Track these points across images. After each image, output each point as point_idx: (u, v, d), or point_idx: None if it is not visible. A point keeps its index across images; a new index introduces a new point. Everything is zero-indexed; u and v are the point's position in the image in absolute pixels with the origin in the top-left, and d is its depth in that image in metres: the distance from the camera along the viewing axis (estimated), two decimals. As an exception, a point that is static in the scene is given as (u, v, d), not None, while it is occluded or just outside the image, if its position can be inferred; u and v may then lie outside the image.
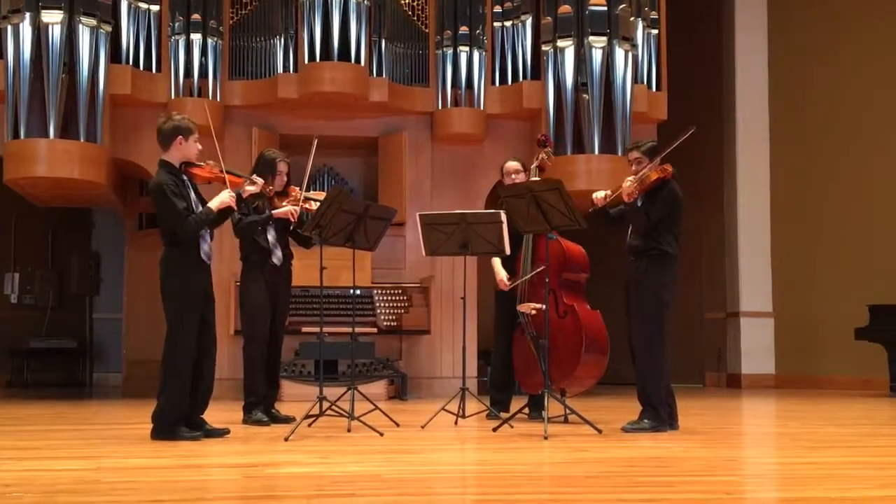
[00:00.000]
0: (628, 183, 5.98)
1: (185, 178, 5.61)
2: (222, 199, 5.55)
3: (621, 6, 10.09)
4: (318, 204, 6.31)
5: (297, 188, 6.58)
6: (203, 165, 5.70)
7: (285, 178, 6.67)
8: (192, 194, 5.62)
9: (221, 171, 5.72)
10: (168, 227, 5.55)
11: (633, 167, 6.14)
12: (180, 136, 5.57)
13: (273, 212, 6.42)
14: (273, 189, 6.39)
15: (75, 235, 13.36)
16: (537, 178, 6.82)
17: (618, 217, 6.24)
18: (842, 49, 12.05)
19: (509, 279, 6.91)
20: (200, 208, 5.59)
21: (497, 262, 7.02)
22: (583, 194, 7.51)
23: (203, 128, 5.86)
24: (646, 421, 5.96)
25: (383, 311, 9.71)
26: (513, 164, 7.15)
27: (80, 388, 12.40)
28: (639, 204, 6.03)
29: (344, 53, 9.65)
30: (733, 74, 12.90)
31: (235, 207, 5.67)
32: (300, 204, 6.42)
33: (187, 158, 5.63)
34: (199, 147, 5.68)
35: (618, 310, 6.28)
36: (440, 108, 10.40)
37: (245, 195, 6.08)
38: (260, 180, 6.15)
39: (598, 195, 6.17)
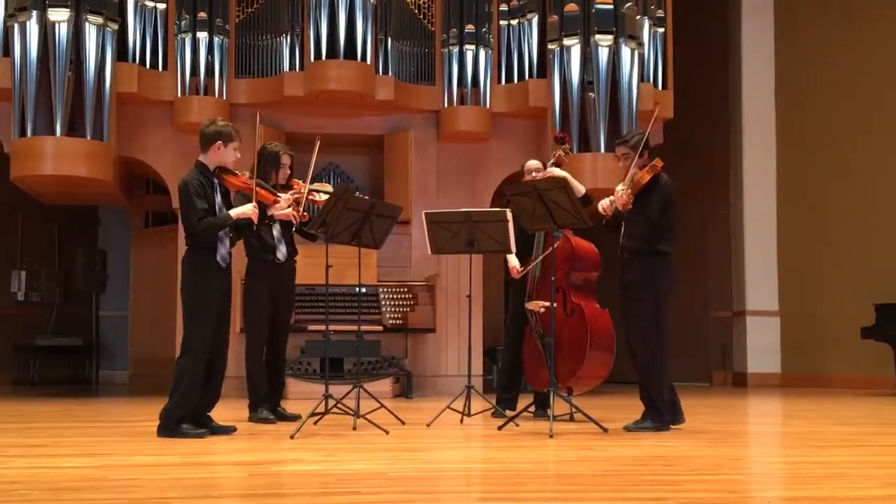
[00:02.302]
0: (620, 191, 5.89)
1: (215, 181, 5.64)
2: (245, 210, 5.64)
3: (627, 4, 10.07)
4: (323, 196, 6.31)
5: (301, 182, 6.57)
6: (238, 174, 5.75)
7: (289, 171, 6.67)
8: (218, 198, 5.65)
9: (253, 184, 5.76)
10: (185, 226, 5.61)
11: (621, 163, 6.08)
12: (220, 142, 5.63)
13: (272, 212, 6.32)
14: (304, 213, 6.30)
15: (81, 233, 13.38)
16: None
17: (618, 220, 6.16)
18: (848, 47, 12.02)
19: (521, 267, 6.87)
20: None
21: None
22: (589, 192, 7.46)
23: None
24: (648, 421, 5.94)
25: (389, 309, 9.71)
26: (533, 163, 7.14)
27: (86, 386, 12.43)
28: (630, 207, 5.94)
29: (350, 51, 9.64)
30: (739, 72, 12.87)
31: (256, 221, 5.70)
32: (305, 197, 6.40)
33: (223, 164, 5.68)
34: (238, 155, 5.73)
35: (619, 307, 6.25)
36: (446, 106, 10.39)
37: (270, 212, 6.04)
38: (289, 201, 6.10)
39: (605, 203, 6.05)
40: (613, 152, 9.65)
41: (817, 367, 12.06)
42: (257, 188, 5.80)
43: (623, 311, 6.09)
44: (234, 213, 5.63)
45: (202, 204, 5.50)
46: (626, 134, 6.34)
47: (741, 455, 5.03)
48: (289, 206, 6.07)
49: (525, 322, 6.96)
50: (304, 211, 6.28)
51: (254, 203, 5.67)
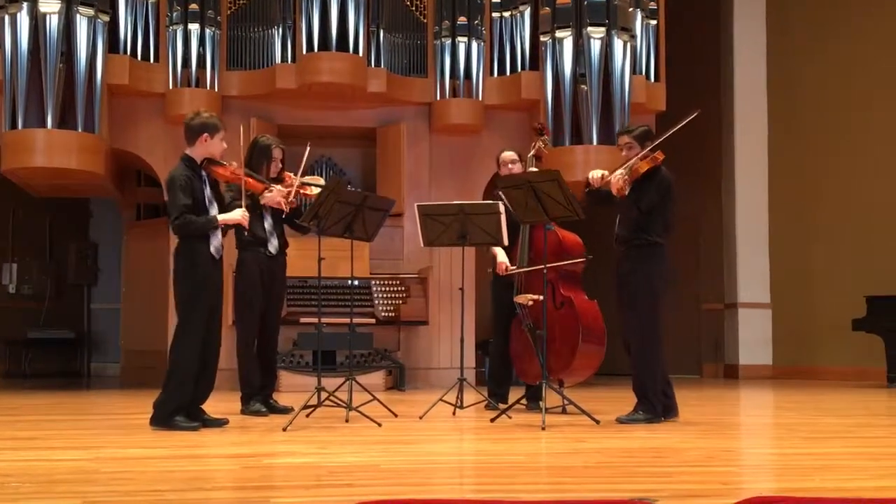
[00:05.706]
0: (617, 176, 5.90)
1: (203, 173, 5.63)
2: (234, 216, 5.63)
3: (620, -3, 10.07)
4: (315, 189, 6.31)
5: (292, 174, 6.56)
6: (225, 165, 5.73)
7: (280, 165, 6.66)
8: (207, 190, 5.63)
9: (242, 174, 5.76)
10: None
11: (624, 152, 6.08)
12: (206, 134, 5.60)
13: (264, 201, 6.35)
14: (292, 200, 6.32)
15: (73, 225, 13.35)
16: (534, 168, 6.81)
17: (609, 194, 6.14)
18: (840, 40, 12.04)
19: (507, 267, 6.88)
20: (214, 206, 5.63)
21: (498, 248, 6.97)
22: (581, 185, 7.44)
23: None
24: (640, 413, 5.96)
25: (381, 301, 9.72)
26: (509, 155, 7.12)
27: (77, 379, 12.41)
28: (626, 193, 5.94)
29: (342, 44, 9.63)
30: (731, 65, 12.88)
31: (247, 227, 5.72)
32: (296, 190, 6.39)
33: (211, 155, 5.66)
34: (225, 146, 5.71)
35: (613, 299, 6.26)
36: (438, 98, 10.39)
37: (262, 201, 6.12)
38: (279, 190, 6.14)
39: (595, 174, 6.00)
40: (605, 144, 9.78)
41: (809, 359, 12.09)
42: (246, 178, 5.80)
43: (618, 302, 6.10)
44: (222, 218, 5.60)
45: (185, 200, 5.47)
46: (631, 125, 6.32)
47: (732, 447, 5.05)
48: (280, 197, 6.10)
49: (511, 315, 6.96)
50: (292, 199, 6.29)
51: (243, 209, 5.65)
